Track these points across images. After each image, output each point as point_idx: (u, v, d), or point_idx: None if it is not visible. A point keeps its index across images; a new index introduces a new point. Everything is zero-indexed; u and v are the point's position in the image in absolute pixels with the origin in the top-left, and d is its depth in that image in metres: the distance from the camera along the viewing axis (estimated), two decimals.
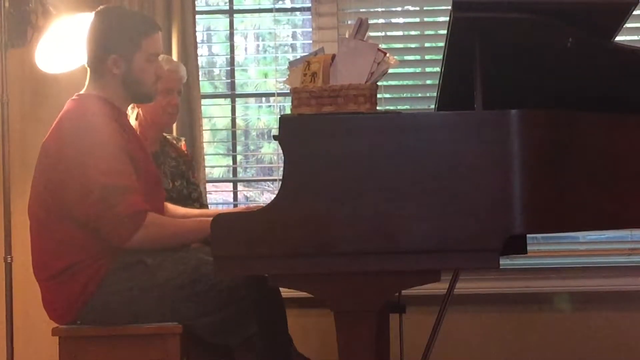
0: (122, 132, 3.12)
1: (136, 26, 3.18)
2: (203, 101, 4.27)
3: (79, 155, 2.99)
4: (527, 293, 4.21)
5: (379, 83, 2.85)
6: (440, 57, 3.09)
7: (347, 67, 2.77)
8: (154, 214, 3.02)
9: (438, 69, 3.24)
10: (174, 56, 4.11)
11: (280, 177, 2.68)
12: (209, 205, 4.18)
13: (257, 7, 4.68)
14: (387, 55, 2.79)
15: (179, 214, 3.42)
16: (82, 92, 3.20)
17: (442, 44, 3.02)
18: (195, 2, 4.26)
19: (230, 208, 4.33)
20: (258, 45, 4.94)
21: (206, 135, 4.33)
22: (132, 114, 3.75)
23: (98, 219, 2.97)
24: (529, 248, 3.53)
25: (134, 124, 3.73)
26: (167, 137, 3.92)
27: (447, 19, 2.77)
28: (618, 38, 3.07)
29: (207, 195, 4.23)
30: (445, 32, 2.89)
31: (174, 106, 3.77)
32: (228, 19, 4.51)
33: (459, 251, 2.62)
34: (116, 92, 3.17)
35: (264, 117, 4.83)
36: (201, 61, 4.35)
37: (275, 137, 2.73)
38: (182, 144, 3.97)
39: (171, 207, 3.45)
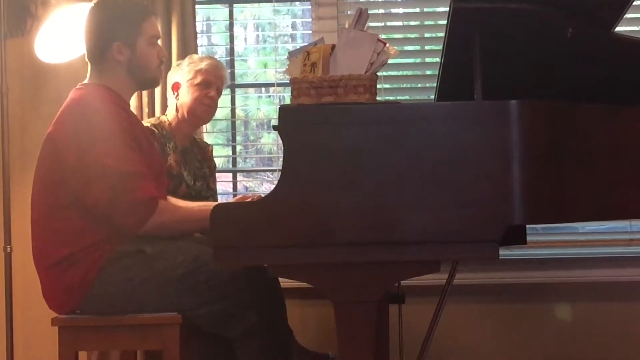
0: (128, 119, 3.14)
1: (133, 12, 3.22)
2: None
3: (88, 143, 3.00)
4: (527, 283, 4.21)
5: (379, 73, 2.84)
6: (440, 47, 3.08)
7: (346, 57, 2.77)
8: (164, 201, 3.05)
9: (438, 60, 3.24)
10: (174, 46, 4.11)
11: (280, 168, 2.68)
12: None
13: None
14: (387, 45, 2.79)
15: (188, 207, 3.42)
16: (84, 82, 3.21)
17: (442, 34, 3.01)
18: None
19: (229, 198, 4.33)
20: (258, 36, 4.94)
21: (206, 126, 4.32)
22: (171, 105, 3.82)
23: (110, 207, 2.98)
24: (528, 239, 3.53)
25: (172, 115, 3.81)
26: (197, 139, 3.96)
27: (447, 9, 2.76)
28: (618, 28, 3.07)
29: None
30: (445, 22, 2.89)
31: (210, 98, 3.78)
32: (228, 9, 4.50)
33: (459, 242, 2.62)
34: (120, 81, 3.19)
35: (264, 108, 4.83)
36: (201, 51, 4.34)
37: (274, 128, 2.73)
38: (210, 149, 3.99)
39: (172, 199, 3.45)
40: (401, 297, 3.56)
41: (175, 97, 3.80)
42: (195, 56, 3.90)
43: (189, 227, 3.11)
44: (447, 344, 4.13)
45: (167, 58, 3.96)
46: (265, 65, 4.79)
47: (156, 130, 3.69)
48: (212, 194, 3.91)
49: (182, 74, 3.80)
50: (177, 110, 3.80)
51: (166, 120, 3.81)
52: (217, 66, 3.85)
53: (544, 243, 4.28)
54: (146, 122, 3.77)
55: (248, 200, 3.15)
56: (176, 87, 3.80)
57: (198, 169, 3.87)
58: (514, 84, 3.02)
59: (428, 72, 4.48)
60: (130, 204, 2.97)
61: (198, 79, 3.77)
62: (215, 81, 3.81)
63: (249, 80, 4.71)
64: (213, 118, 3.98)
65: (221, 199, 4.16)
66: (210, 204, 3.49)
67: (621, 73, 3.04)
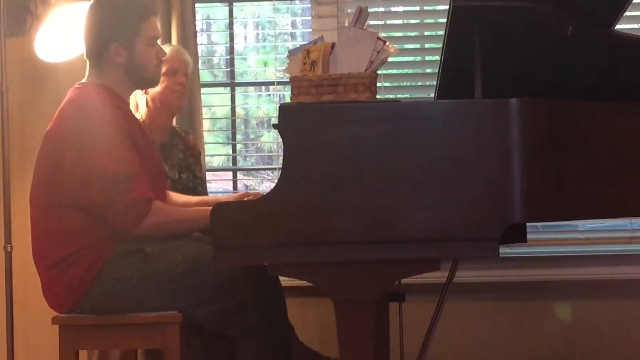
0: (126, 119, 3.13)
1: (132, 12, 3.19)
2: (203, 90, 4.26)
3: (85, 143, 3.00)
4: (527, 281, 4.21)
5: (379, 72, 2.84)
6: (440, 45, 3.08)
7: (346, 55, 2.76)
8: (159, 202, 3.04)
9: (438, 58, 3.24)
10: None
11: (280, 166, 2.68)
12: (209, 195, 4.17)
13: None
14: (387, 43, 2.79)
15: (180, 202, 3.43)
16: (83, 80, 3.21)
17: (442, 33, 3.01)
18: None
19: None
20: (257, 34, 4.94)
21: (206, 124, 4.32)
22: (142, 100, 3.81)
23: (105, 206, 2.98)
24: (528, 237, 3.52)
25: (143, 111, 3.78)
26: (177, 129, 3.95)
27: (447, 7, 2.76)
28: (618, 26, 3.07)
29: (207, 184, 4.23)
30: (445, 20, 2.89)
31: (180, 84, 3.80)
32: (227, 8, 4.50)
33: (459, 240, 2.62)
34: (118, 80, 3.18)
35: (264, 106, 4.83)
36: (200, 50, 4.35)
37: (275, 126, 2.73)
38: (191, 137, 3.98)
39: (173, 195, 3.46)
40: (401, 296, 3.56)
41: (145, 92, 3.79)
42: None
43: (185, 228, 3.10)
44: (447, 342, 4.13)
45: None
46: (265, 64, 4.79)
47: None
48: (200, 183, 3.88)
49: None
50: (147, 105, 3.79)
51: (140, 117, 3.79)
52: (179, 51, 3.87)
53: (544, 241, 4.28)
54: None
55: (248, 198, 3.15)
56: None
57: (182, 160, 3.85)
58: (514, 82, 3.01)
59: (428, 71, 4.48)
60: (125, 205, 2.96)
61: (163, 69, 3.73)
62: (180, 67, 3.82)
63: (249, 78, 4.71)
64: (213, 116, 3.97)
65: (221, 196, 4.15)
66: (207, 199, 3.51)
67: (621, 71, 3.03)
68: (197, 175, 3.92)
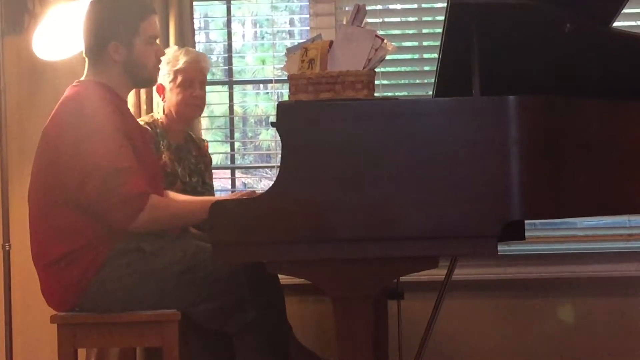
0: (122, 117, 3.13)
1: (132, 11, 3.19)
2: None
3: (79, 140, 3.00)
4: (525, 279, 4.21)
5: (377, 69, 2.84)
6: (438, 43, 3.08)
7: (344, 53, 2.77)
8: (155, 195, 3.04)
9: (436, 55, 3.24)
10: (172, 44, 4.10)
11: (278, 164, 2.68)
12: None
13: None
14: (385, 41, 2.79)
15: (180, 200, 3.43)
16: (81, 79, 3.21)
17: (440, 30, 3.01)
18: None
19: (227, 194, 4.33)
20: (256, 32, 4.94)
21: (204, 122, 4.32)
22: (159, 107, 3.78)
23: (100, 203, 2.97)
24: (527, 234, 3.53)
25: (161, 115, 3.76)
26: (192, 135, 3.91)
27: (445, 5, 2.76)
28: (616, 23, 3.07)
29: None
30: (442, 18, 2.89)
31: (196, 98, 3.72)
32: (225, 6, 4.50)
33: (457, 238, 2.62)
34: (117, 79, 3.18)
35: (262, 104, 4.83)
36: (199, 48, 4.34)
37: (273, 124, 2.73)
38: (205, 144, 3.95)
39: (172, 194, 3.45)
40: (400, 293, 3.57)
41: (162, 100, 3.74)
42: (172, 52, 3.78)
43: (183, 221, 3.11)
44: (446, 339, 4.13)
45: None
46: (263, 62, 4.80)
47: (150, 129, 3.65)
48: (208, 189, 3.88)
49: (162, 75, 3.66)
50: (164, 111, 3.74)
51: (159, 118, 3.77)
52: (196, 59, 3.76)
53: (543, 238, 4.28)
54: (140, 120, 3.72)
55: (241, 195, 3.14)
56: (160, 90, 3.73)
57: (194, 165, 3.84)
58: (512, 79, 3.02)
59: (426, 68, 4.48)
60: (120, 199, 2.96)
61: (179, 80, 3.69)
62: (196, 76, 3.72)
63: (247, 76, 4.71)
64: (211, 114, 3.95)
65: (219, 196, 4.15)
66: (207, 198, 3.50)
67: (619, 68, 3.04)
68: (206, 181, 3.89)
